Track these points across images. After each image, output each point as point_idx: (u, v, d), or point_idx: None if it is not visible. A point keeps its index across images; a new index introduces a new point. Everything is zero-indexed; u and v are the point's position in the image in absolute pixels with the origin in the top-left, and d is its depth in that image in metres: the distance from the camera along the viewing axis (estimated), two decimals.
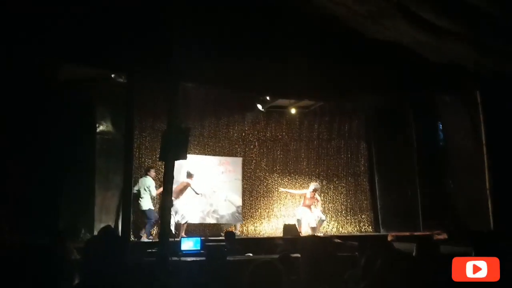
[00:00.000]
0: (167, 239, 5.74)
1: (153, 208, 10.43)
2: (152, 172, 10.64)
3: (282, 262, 3.25)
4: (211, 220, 11.75)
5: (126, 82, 9.52)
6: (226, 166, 12.07)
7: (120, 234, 7.10)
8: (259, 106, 12.05)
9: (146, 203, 10.38)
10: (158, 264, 5.74)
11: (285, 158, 12.96)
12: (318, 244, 3.36)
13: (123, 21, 7.78)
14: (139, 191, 10.30)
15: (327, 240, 7.53)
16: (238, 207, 11.94)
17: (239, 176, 12.13)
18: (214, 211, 11.71)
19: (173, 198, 9.78)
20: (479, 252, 3.49)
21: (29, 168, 8.56)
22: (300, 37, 9.02)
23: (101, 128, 9.86)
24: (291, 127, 13.06)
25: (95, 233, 8.72)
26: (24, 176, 8.41)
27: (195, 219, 11.31)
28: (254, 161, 12.54)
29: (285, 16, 8.58)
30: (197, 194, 10.90)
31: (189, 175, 10.83)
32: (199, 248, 8.38)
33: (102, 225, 8.40)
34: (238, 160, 12.27)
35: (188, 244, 8.46)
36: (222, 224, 11.89)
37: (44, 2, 7.27)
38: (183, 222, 10.61)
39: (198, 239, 8.72)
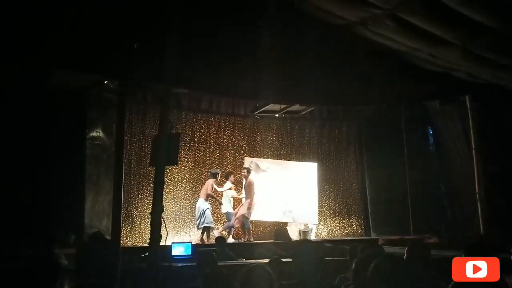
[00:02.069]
0: (158, 245, 5.71)
1: (232, 211, 11.45)
2: (232, 178, 11.55)
3: (273, 267, 3.25)
4: (287, 219, 12.40)
5: (117, 88, 9.52)
6: (301, 170, 12.60)
7: (110, 239, 7.06)
8: (250, 112, 12.09)
9: (225, 207, 11.46)
10: (148, 269, 5.70)
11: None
12: (309, 248, 3.36)
13: (115, 27, 7.76)
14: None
15: (318, 244, 7.53)
16: (313, 209, 12.42)
17: (315, 180, 12.53)
18: (290, 211, 12.33)
19: (202, 199, 10.99)
20: (469, 255, 3.51)
21: (18, 174, 8.51)
22: (290, 43, 9.05)
23: (91, 134, 9.82)
24: (281, 132, 13.09)
25: (85, 239, 8.68)
26: (13, 182, 8.35)
27: (272, 217, 12.26)
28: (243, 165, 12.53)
29: (275, 21, 8.60)
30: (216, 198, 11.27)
31: (213, 176, 11.19)
32: (190, 254, 8.36)
33: (92, 231, 8.43)
34: (314, 165, 12.64)
35: (179, 249, 8.44)
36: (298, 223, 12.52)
37: (37, 8, 7.24)
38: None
39: (189, 244, 8.70)
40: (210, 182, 11.15)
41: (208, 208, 10.95)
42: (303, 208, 12.40)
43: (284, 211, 12.24)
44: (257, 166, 12.15)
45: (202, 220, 10.89)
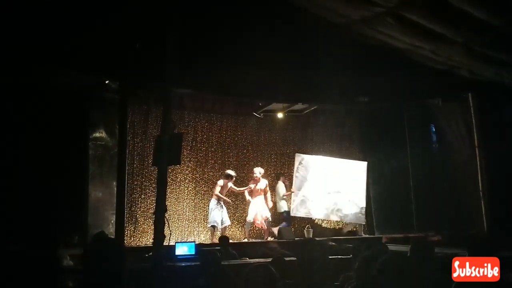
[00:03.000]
0: (161, 244, 5.72)
1: (288, 209, 11.89)
2: (283, 178, 12.16)
3: (276, 266, 3.24)
4: (334, 218, 12.51)
5: (119, 88, 9.53)
6: (350, 169, 12.57)
7: (114, 239, 7.06)
8: (254, 112, 12.10)
9: (281, 206, 11.90)
10: (152, 269, 5.71)
11: (279, 161, 12.98)
12: (313, 247, 3.36)
13: (117, 28, 7.78)
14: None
15: (322, 243, 7.52)
16: (361, 208, 12.36)
17: (364, 179, 12.53)
18: (338, 210, 12.34)
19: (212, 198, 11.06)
20: (472, 254, 3.50)
21: (22, 174, 8.53)
22: (293, 42, 9.05)
23: (94, 134, 9.83)
24: (284, 131, 13.08)
25: (89, 239, 8.70)
26: (17, 182, 8.38)
27: (319, 215, 12.37)
28: (247, 165, 12.52)
29: (277, 21, 8.60)
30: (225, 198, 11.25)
31: (227, 177, 11.17)
32: (193, 253, 8.37)
33: (96, 232, 8.45)
34: (363, 164, 12.63)
35: (183, 249, 8.45)
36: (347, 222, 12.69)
37: (39, 9, 7.26)
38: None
39: (193, 244, 8.71)
40: (219, 182, 11.17)
41: (216, 208, 10.93)
42: (351, 208, 12.40)
43: (332, 209, 12.29)
44: (308, 162, 12.28)
45: (208, 219, 10.98)
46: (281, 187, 12.11)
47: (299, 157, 12.32)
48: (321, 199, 12.18)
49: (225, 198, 11.14)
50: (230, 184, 11.21)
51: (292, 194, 12.00)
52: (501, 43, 7.29)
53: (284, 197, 12.00)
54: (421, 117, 12.19)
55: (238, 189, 11.50)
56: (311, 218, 12.40)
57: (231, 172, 11.32)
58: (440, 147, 12.11)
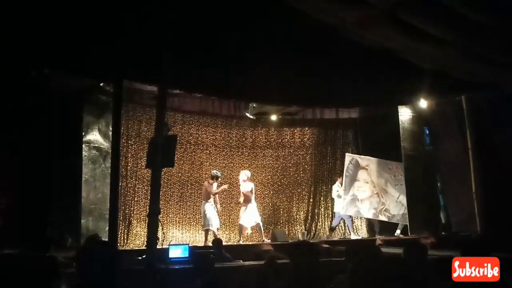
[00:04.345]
0: (155, 247, 5.71)
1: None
2: (339, 179, 12.42)
3: (269, 268, 3.24)
4: (383, 218, 12.56)
5: (113, 90, 9.51)
6: (395, 170, 12.65)
7: (107, 242, 7.04)
8: (247, 113, 12.10)
9: (337, 206, 12.38)
10: (145, 271, 5.70)
11: (274, 164, 12.98)
12: (306, 250, 3.36)
13: (110, 29, 7.75)
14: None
15: (315, 245, 7.52)
16: (406, 208, 12.33)
17: (403, 180, 12.51)
18: (385, 210, 12.53)
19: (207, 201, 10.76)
20: (466, 255, 3.50)
21: (15, 177, 8.50)
22: (287, 43, 9.05)
23: (88, 136, 9.80)
24: (278, 133, 13.09)
25: (82, 242, 8.67)
26: (9, 185, 8.35)
27: (368, 214, 12.59)
28: (241, 167, 12.51)
29: (271, 22, 8.60)
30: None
31: (212, 178, 11.02)
32: (187, 256, 8.34)
33: (89, 234, 8.42)
34: (401, 165, 12.58)
35: (176, 251, 8.42)
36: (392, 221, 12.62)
37: (33, 10, 7.23)
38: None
39: (186, 246, 8.68)
40: (205, 183, 11.09)
41: (210, 211, 10.76)
42: (398, 208, 12.51)
43: (381, 209, 12.48)
44: (357, 162, 12.48)
45: (203, 222, 10.86)
46: (336, 187, 12.51)
47: (349, 157, 12.61)
48: (369, 198, 12.45)
49: (214, 198, 10.97)
50: (215, 185, 11.07)
51: (343, 193, 12.25)
52: (497, 44, 7.31)
53: (337, 196, 12.40)
54: (415, 119, 12.22)
55: (215, 190, 11.13)
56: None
57: (218, 172, 11.24)
58: (433, 149, 12.14)
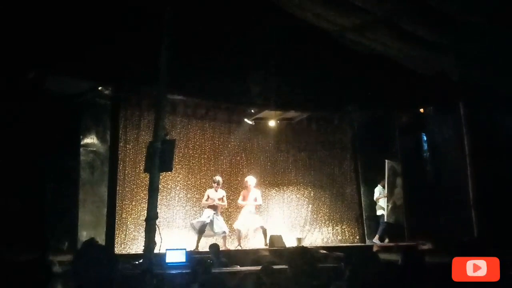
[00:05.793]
0: (152, 251, 5.69)
1: (384, 213, 12.24)
2: (382, 182, 12.40)
3: (265, 274, 3.23)
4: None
5: (111, 94, 9.50)
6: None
7: (104, 246, 7.02)
8: (246, 119, 12.10)
9: (378, 209, 12.39)
10: (143, 276, 5.68)
11: (272, 169, 12.97)
12: (303, 255, 3.36)
13: (109, 33, 7.77)
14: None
15: (313, 251, 7.51)
16: (384, 210, 12.50)
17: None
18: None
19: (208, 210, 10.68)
20: (466, 256, 3.50)
21: (12, 180, 8.47)
22: (286, 50, 9.08)
23: (85, 140, 9.78)
24: (277, 138, 13.07)
25: (79, 246, 8.64)
26: (6, 189, 8.32)
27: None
28: (241, 172, 12.50)
29: (271, 28, 8.63)
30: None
31: (214, 182, 10.94)
32: (184, 260, 8.31)
33: (86, 238, 8.40)
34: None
35: (174, 256, 8.39)
36: None
37: (32, 13, 7.24)
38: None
39: (184, 250, 8.66)
40: (208, 190, 11.03)
41: (214, 218, 10.65)
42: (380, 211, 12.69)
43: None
44: (395, 169, 12.47)
45: (215, 229, 10.72)
46: (378, 190, 12.53)
47: (388, 164, 12.49)
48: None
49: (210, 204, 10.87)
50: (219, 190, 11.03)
51: (386, 199, 12.26)
52: (494, 49, 7.33)
53: (378, 201, 12.48)
54: (412, 125, 12.24)
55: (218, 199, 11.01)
56: None
57: (219, 177, 11.16)
58: (431, 155, 12.15)
